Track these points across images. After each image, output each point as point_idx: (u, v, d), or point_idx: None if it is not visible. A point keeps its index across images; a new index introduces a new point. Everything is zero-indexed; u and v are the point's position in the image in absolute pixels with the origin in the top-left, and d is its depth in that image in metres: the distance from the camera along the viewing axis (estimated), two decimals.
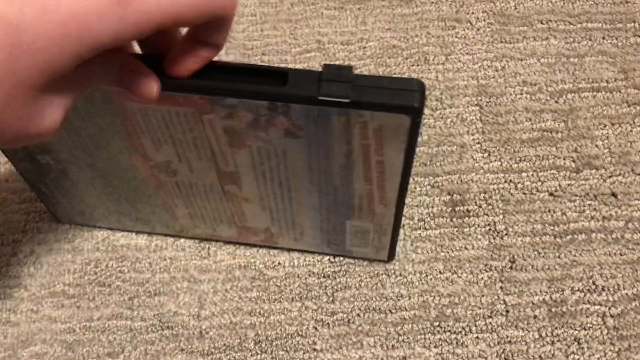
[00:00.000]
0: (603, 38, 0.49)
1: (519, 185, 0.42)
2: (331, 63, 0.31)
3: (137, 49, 0.28)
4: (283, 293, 0.39)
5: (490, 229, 0.41)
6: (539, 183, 0.43)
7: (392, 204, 0.34)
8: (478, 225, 0.41)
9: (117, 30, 0.22)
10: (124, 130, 0.32)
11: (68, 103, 0.24)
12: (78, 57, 0.22)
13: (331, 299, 0.39)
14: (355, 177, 0.32)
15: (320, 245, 0.40)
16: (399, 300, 0.39)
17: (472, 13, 0.51)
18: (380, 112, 0.27)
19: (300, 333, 0.38)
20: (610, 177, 0.42)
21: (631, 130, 0.44)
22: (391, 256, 0.39)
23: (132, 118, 0.31)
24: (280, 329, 0.38)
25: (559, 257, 0.40)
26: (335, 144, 0.30)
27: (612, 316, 0.38)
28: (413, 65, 0.48)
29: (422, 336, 0.38)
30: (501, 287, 0.39)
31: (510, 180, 0.43)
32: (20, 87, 0.21)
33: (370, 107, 0.27)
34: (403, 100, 0.26)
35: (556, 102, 0.46)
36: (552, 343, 0.37)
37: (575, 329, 0.38)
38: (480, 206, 0.42)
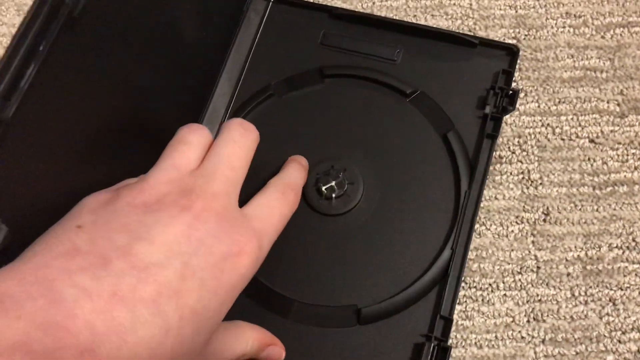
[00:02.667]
0: None
1: (557, 130, 0.39)
2: None
3: None
4: None
5: (523, 178, 0.38)
6: (579, 128, 0.39)
7: None
8: (510, 173, 0.38)
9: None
10: None
11: None
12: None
13: None
14: None
15: None
16: None
17: None
18: None
19: None
20: None
21: None
22: None
23: None
24: None
25: (597, 210, 0.37)
26: None
27: None
28: None
29: None
30: (533, 242, 0.36)
31: (548, 124, 0.39)
32: None
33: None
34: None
35: (602, 37, 0.41)
36: (586, 303, 0.35)
37: (611, 289, 0.35)
38: (513, 152, 0.38)
